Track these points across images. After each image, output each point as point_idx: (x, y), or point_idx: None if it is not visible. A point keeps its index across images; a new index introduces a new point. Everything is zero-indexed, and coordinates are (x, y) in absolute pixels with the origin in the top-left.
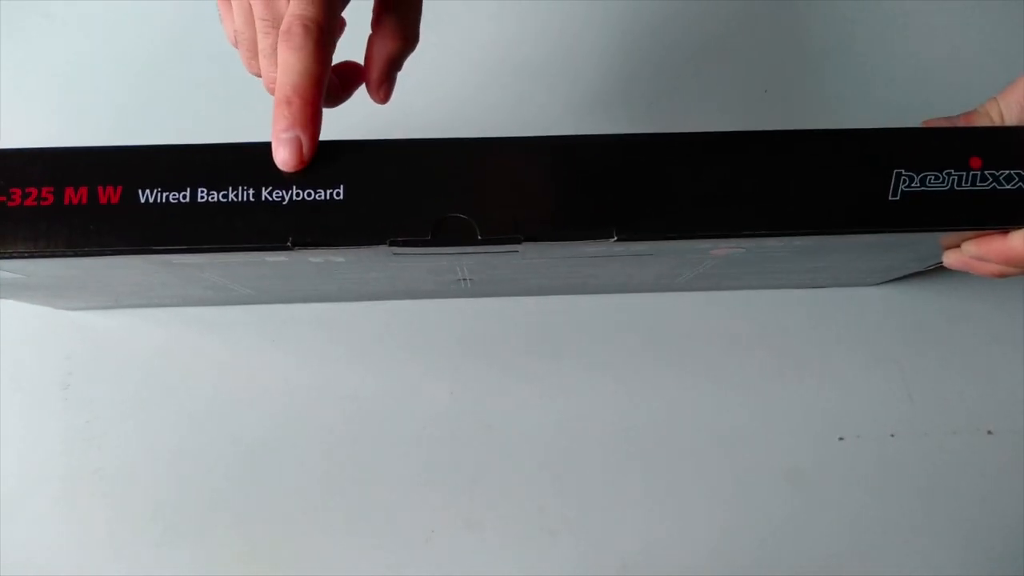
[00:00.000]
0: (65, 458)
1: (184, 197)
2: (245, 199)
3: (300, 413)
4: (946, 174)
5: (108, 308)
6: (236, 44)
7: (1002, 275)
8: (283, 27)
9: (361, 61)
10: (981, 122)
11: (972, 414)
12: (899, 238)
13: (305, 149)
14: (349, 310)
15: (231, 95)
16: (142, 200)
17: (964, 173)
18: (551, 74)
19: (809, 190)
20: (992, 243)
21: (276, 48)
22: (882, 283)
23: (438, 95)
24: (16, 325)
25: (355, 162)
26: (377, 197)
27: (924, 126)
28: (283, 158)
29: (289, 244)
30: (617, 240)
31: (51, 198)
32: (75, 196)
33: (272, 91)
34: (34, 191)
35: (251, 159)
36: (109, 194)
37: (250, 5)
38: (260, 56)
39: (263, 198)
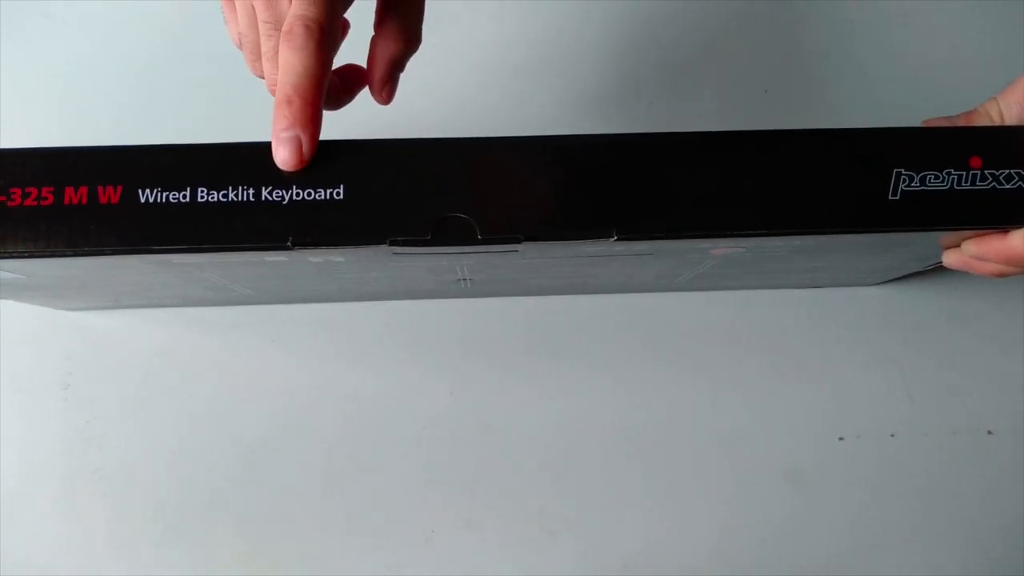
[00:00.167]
0: (65, 458)
1: (184, 197)
2: (245, 199)
3: (300, 413)
4: (946, 174)
5: (108, 308)
6: (240, 46)
7: (1002, 275)
8: (284, 27)
9: (364, 63)
10: (981, 122)
11: (972, 414)
12: (899, 238)
13: (305, 149)
14: (349, 310)
15: (231, 95)
16: (142, 200)
17: (964, 173)
18: (551, 74)
19: (809, 189)
20: (992, 243)
21: (278, 50)
22: (882, 283)
23: (438, 95)
24: (16, 325)
25: (355, 162)
26: (377, 197)
27: (924, 126)
28: (283, 157)
29: (289, 244)
30: (617, 240)
31: (51, 198)
32: (75, 196)
33: (274, 93)
34: (34, 191)
35: (251, 159)
36: (109, 194)
37: (253, 7)
38: (263, 58)
39: (263, 198)
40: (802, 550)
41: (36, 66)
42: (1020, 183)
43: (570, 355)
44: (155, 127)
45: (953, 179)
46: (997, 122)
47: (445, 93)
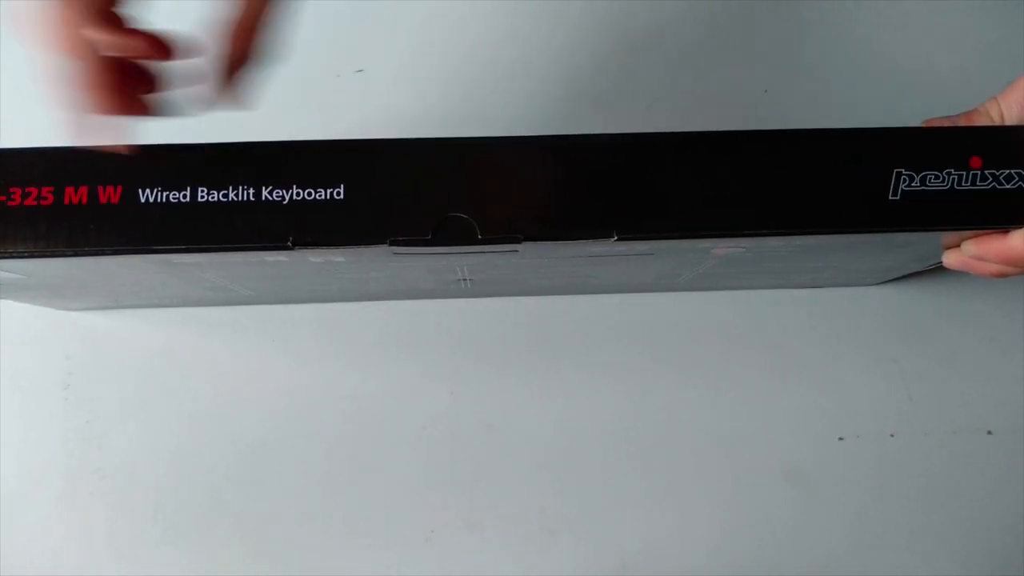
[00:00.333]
0: (65, 458)
1: (184, 197)
2: (245, 198)
3: (300, 413)
4: (946, 173)
5: (108, 308)
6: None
7: (1002, 275)
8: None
9: None
10: (981, 122)
11: (972, 414)
12: (900, 238)
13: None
14: (349, 310)
15: None
16: (142, 200)
17: (964, 172)
18: (551, 74)
19: (809, 189)
20: (992, 243)
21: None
22: (882, 283)
23: (438, 95)
24: (16, 325)
25: (355, 162)
26: (377, 197)
27: (924, 126)
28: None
29: (289, 244)
30: (618, 240)
31: (51, 198)
32: (75, 196)
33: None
34: (34, 191)
35: (251, 159)
36: (109, 194)
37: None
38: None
39: (263, 198)
40: (802, 550)
41: (36, 66)
42: (1020, 183)
43: (570, 355)
44: (155, 127)
45: (953, 179)
46: (997, 122)
47: (445, 93)
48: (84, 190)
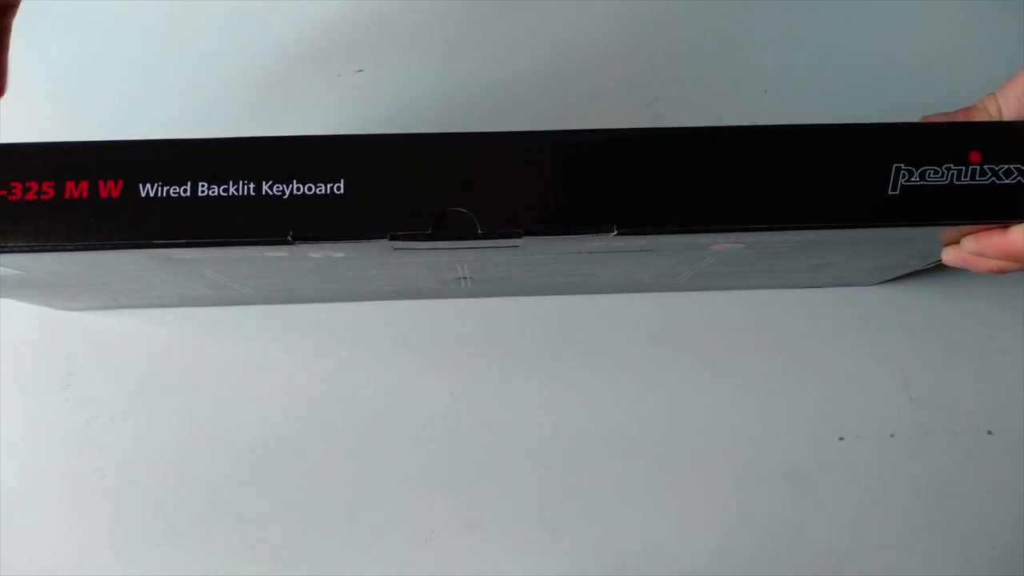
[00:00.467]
0: (65, 458)
1: (185, 191)
2: (245, 193)
3: (300, 413)
4: (945, 168)
5: (108, 308)
6: None
7: (1002, 271)
8: None
9: None
10: (980, 118)
11: (972, 414)
12: (899, 233)
13: None
14: (349, 310)
15: (231, 91)
16: (143, 194)
17: (963, 167)
18: (551, 73)
19: (809, 184)
20: (991, 238)
21: None
22: (882, 282)
23: (439, 91)
24: (16, 325)
25: (355, 156)
26: (377, 191)
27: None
28: None
29: (289, 238)
30: (618, 234)
31: (52, 192)
32: (76, 190)
33: None
34: (35, 185)
35: (251, 153)
36: (110, 188)
37: None
38: None
39: (263, 192)
40: (802, 550)
41: (36, 65)
42: (1019, 178)
43: (570, 355)
44: (155, 122)
45: (952, 174)
46: (996, 118)
47: (445, 89)
48: (85, 184)
